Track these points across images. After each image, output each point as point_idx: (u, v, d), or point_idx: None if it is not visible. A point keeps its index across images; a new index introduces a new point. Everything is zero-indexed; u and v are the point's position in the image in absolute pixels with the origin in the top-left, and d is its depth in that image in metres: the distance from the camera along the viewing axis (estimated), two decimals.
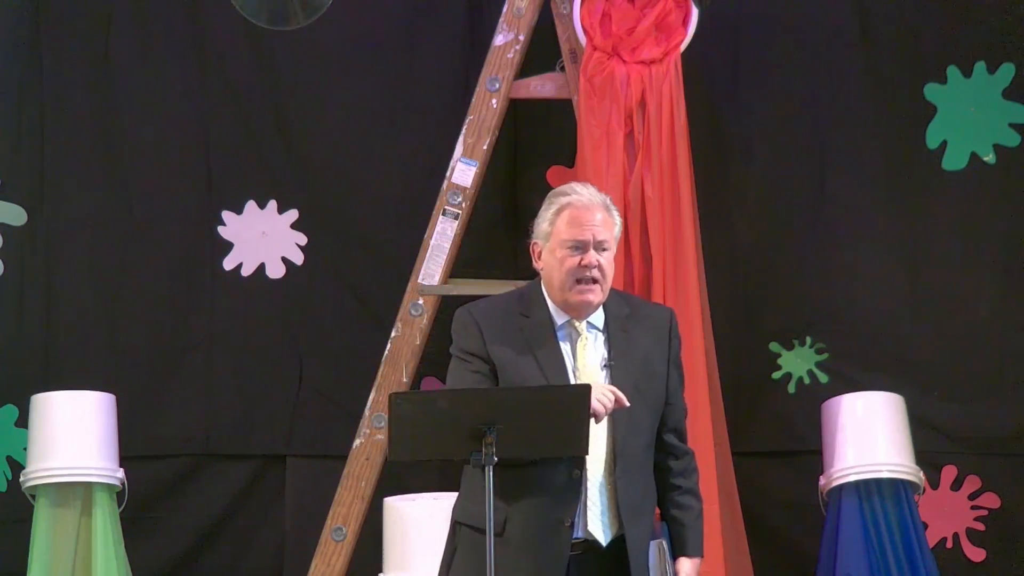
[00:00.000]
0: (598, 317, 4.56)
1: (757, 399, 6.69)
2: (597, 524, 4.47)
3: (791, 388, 6.68)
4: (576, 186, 4.58)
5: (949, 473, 6.64)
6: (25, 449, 6.32)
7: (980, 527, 6.64)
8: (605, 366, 4.52)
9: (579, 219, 4.50)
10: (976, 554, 6.63)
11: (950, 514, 6.63)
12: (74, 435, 6.19)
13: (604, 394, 4.37)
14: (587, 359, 4.53)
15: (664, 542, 4.51)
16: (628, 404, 4.40)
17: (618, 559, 4.44)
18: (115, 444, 6.28)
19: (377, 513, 6.20)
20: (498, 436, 4.29)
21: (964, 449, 6.64)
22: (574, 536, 4.45)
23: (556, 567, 4.42)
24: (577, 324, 4.54)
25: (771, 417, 6.68)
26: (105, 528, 6.18)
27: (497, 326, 4.55)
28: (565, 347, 4.54)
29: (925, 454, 6.42)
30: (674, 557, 4.59)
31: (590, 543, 4.46)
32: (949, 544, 6.63)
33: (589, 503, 4.46)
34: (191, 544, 6.73)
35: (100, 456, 6.21)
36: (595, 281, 4.49)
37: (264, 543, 6.76)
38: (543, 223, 4.54)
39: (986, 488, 6.64)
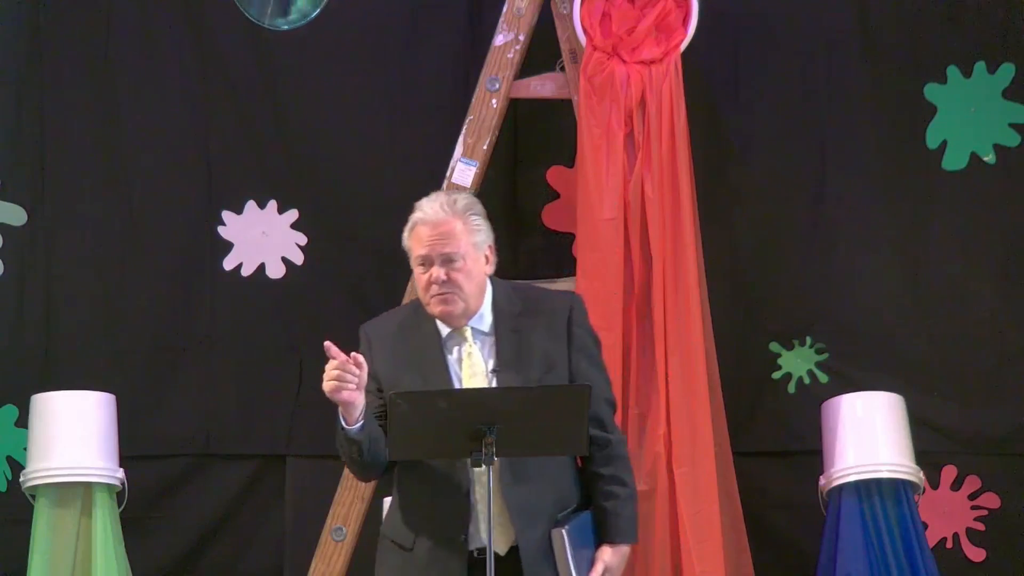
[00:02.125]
0: (484, 321, 4.57)
1: (757, 399, 6.68)
2: (489, 535, 4.48)
3: (791, 388, 6.68)
4: (425, 201, 4.59)
5: (949, 473, 6.64)
6: (25, 449, 6.32)
7: (980, 527, 6.64)
8: (492, 371, 4.53)
9: (420, 235, 4.55)
10: (976, 554, 6.63)
11: (950, 514, 6.63)
12: (74, 435, 6.18)
13: (327, 372, 4.35)
14: (474, 368, 4.53)
15: (563, 531, 4.49)
16: (364, 362, 4.36)
17: (516, 566, 4.46)
18: (115, 444, 6.28)
19: (377, 513, 6.20)
20: (498, 436, 4.29)
21: (964, 449, 6.64)
22: (473, 546, 4.48)
23: None
24: (463, 332, 4.55)
25: (771, 417, 6.67)
26: (105, 528, 6.18)
27: (387, 343, 4.60)
28: (452, 358, 4.55)
29: (925, 454, 6.42)
30: (598, 544, 4.60)
31: (495, 552, 4.48)
32: (949, 544, 6.63)
33: (480, 516, 4.49)
34: (191, 544, 6.72)
35: (100, 456, 6.20)
36: (448, 293, 4.50)
37: (264, 543, 6.76)
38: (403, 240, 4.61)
39: (986, 488, 6.64)
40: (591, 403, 4.50)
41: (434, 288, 4.52)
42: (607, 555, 4.59)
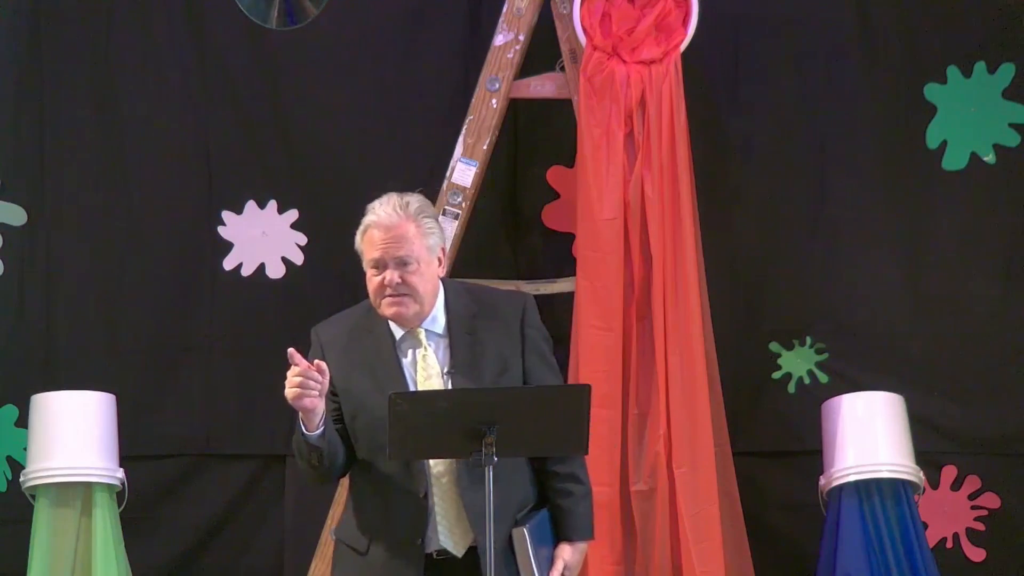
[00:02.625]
0: (438, 323, 4.57)
1: (757, 399, 6.68)
2: (448, 538, 4.49)
3: (791, 388, 6.68)
4: (378, 204, 4.58)
5: (949, 473, 6.64)
6: (25, 449, 6.32)
7: (980, 527, 6.64)
8: (447, 373, 4.53)
9: (372, 238, 4.53)
10: (976, 554, 6.63)
11: (950, 514, 6.63)
12: (74, 435, 6.18)
13: (289, 379, 4.37)
14: (429, 370, 4.53)
15: (525, 529, 4.50)
16: (326, 369, 4.37)
17: (474, 567, 4.45)
18: (115, 444, 6.28)
19: None
20: (498, 436, 4.29)
21: (964, 449, 6.64)
22: (429, 550, 4.49)
23: None
24: (417, 334, 4.54)
25: (771, 417, 6.67)
26: (105, 528, 6.18)
27: (339, 345, 4.59)
28: (406, 361, 4.55)
29: (925, 454, 6.42)
30: (556, 543, 4.60)
31: (452, 554, 4.50)
32: (949, 544, 6.63)
33: (439, 518, 4.49)
34: (191, 544, 6.72)
35: (100, 456, 6.20)
36: (402, 295, 4.49)
37: (264, 543, 6.76)
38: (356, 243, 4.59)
39: (986, 488, 6.64)
40: None
41: (387, 291, 4.51)
42: (567, 553, 4.60)
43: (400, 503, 4.50)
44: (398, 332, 4.58)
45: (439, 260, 4.58)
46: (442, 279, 4.63)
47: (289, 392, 4.38)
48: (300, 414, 4.43)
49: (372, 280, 4.54)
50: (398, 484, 4.49)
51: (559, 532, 4.62)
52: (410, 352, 4.57)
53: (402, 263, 4.50)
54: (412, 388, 4.53)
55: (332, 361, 4.54)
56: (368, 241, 4.55)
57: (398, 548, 4.49)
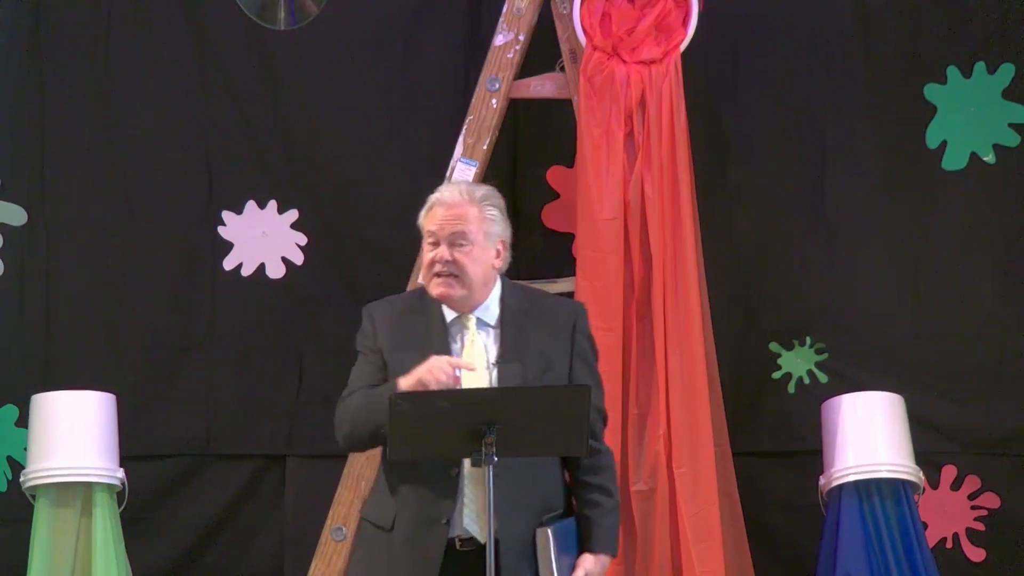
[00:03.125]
0: (491, 313, 4.61)
1: (757, 399, 6.68)
2: (475, 522, 4.49)
3: (791, 388, 6.68)
4: (445, 185, 4.70)
5: (949, 473, 6.64)
6: (25, 449, 6.32)
7: (980, 527, 6.64)
8: (493, 363, 4.54)
9: (434, 215, 4.61)
10: (976, 554, 6.63)
11: (950, 514, 6.63)
12: (74, 435, 6.18)
13: (441, 368, 4.40)
14: (474, 357, 4.55)
15: (549, 531, 4.49)
16: (473, 368, 4.43)
17: (496, 557, 4.44)
18: (115, 444, 6.28)
19: None
20: (498, 436, 4.30)
21: (964, 449, 6.64)
22: (454, 533, 4.50)
23: (431, 563, 4.48)
24: (467, 321, 4.56)
25: (771, 417, 6.68)
26: (105, 528, 6.18)
27: (391, 323, 4.63)
28: (455, 345, 4.58)
29: (925, 454, 6.42)
30: (579, 552, 4.60)
31: (476, 540, 4.49)
32: (949, 544, 6.63)
33: (467, 500, 4.51)
34: (191, 544, 6.72)
35: (100, 456, 6.20)
36: (450, 275, 4.53)
37: (264, 543, 6.76)
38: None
39: (986, 488, 6.64)
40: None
41: (437, 267, 4.55)
42: (588, 562, 4.60)
43: (431, 479, 4.50)
44: (449, 315, 4.60)
45: (497, 252, 4.62)
46: (501, 276, 4.65)
47: (440, 376, 4.39)
48: (406, 380, 4.43)
49: (426, 256, 4.59)
50: (431, 461, 4.49)
51: (583, 542, 4.62)
52: (459, 337, 4.60)
53: (456, 241, 4.55)
54: (457, 372, 4.54)
55: (383, 334, 4.59)
56: (430, 217, 4.62)
57: (423, 526, 4.49)
